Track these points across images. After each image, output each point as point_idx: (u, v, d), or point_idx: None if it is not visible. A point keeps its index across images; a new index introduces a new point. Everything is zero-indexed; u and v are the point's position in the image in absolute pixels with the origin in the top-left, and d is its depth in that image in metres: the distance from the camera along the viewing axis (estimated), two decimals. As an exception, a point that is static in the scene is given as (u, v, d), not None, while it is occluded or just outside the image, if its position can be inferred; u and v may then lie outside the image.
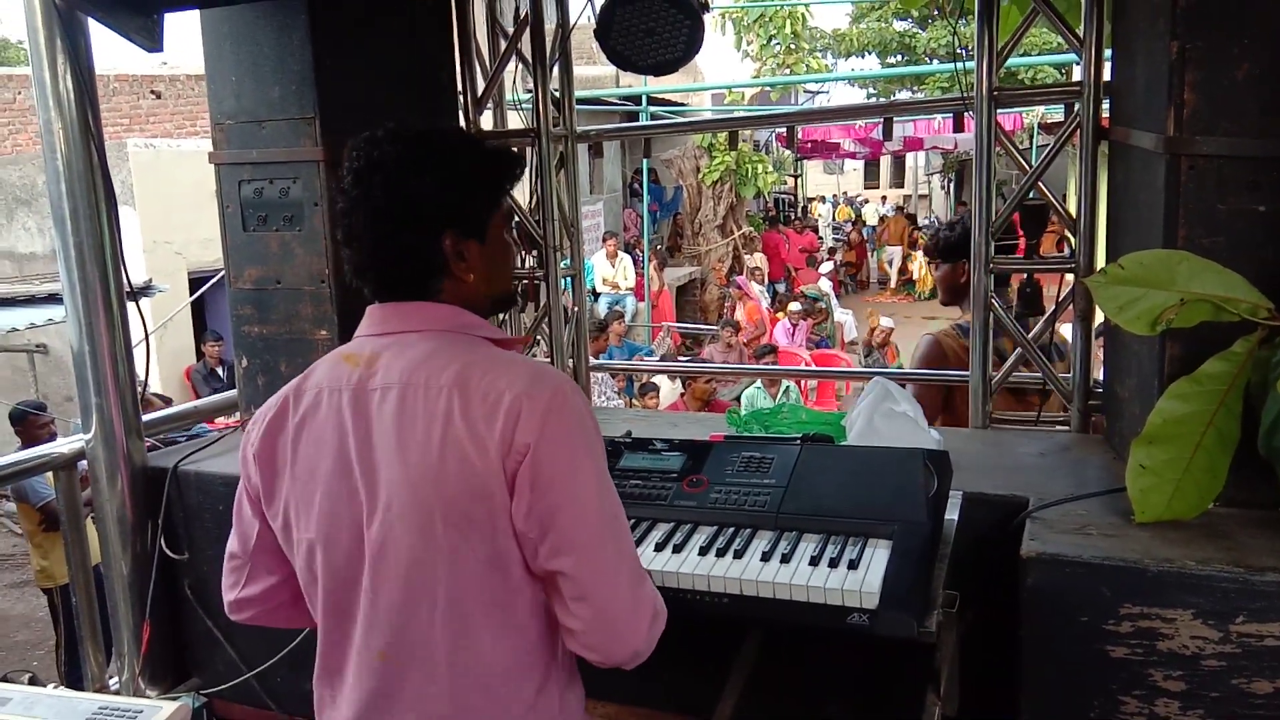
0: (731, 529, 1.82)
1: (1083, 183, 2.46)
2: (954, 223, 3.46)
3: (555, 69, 3.22)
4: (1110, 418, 2.44)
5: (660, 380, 8.41)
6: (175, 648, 2.70)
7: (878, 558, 1.67)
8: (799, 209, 24.73)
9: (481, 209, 1.42)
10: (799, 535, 1.77)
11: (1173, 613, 1.61)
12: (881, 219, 22.81)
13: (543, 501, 1.28)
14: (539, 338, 3.33)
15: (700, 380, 7.92)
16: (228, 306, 2.85)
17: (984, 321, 2.61)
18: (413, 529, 1.31)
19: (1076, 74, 2.51)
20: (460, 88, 3.22)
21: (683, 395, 8.36)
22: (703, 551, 1.76)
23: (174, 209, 9.01)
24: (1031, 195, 2.62)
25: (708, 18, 2.72)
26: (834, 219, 25.84)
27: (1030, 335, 2.63)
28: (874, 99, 19.43)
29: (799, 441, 2.03)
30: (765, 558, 1.71)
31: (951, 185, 23.84)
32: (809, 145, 15.92)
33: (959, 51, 2.59)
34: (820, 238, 20.70)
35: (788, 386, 8.14)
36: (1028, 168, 2.60)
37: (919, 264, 18.79)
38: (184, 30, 3.02)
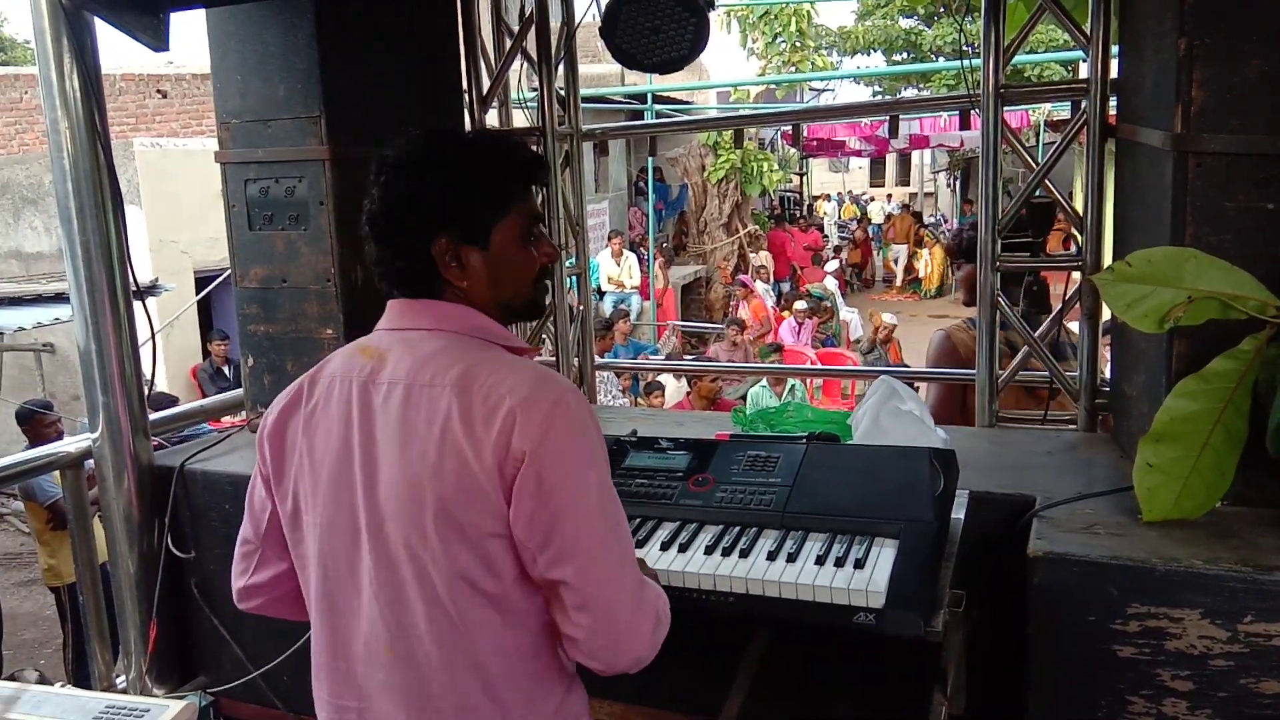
0: (737, 528, 1.81)
1: (1090, 180, 2.45)
2: (977, 222, 3.46)
3: (560, 67, 3.22)
4: (1117, 416, 2.43)
5: (666, 379, 8.40)
6: (182, 646, 2.70)
7: (884, 557, 1.67)
8: (804, 207, 24.70)
9: (481, 215, 1.38)
10: (805, 534, 1.77)
11: (1180, 612, 1.61)
12: (887, 217, 22.77)
13: (543, 510, 1.28)
14: (544, 336, 3.34)
15: (706, 379, 7.91)
16: (234, 305, 2.86)
17: (991, 319, 2.60)
18: (407, 526, 1.32)
19: (1083, 71, 2.50)
20: (466, 86, 3.22)
21: (689, 394, 8.35)
22: (708, 551, 1.76)
23: (180, 208, 9.03)
24: (1038, 193, 2.61)
25: (713, 15, 2.71)
26: (839, 217, 25.80)
27: (1037, 333, 2.62)
28: (880, 97, 19.41)
29: (805, 440, 2.02)
30: (771, 557, 1.71)
31: (957, 183, 23.75)
32: (814, 143, 15.90)
33: (965, 48, 2.59)
34: (825, 236, 20.67)
35: (793, 385, 8.13)
36: (1034, 165, 2.59)
37: (924, 262, 18.77)
38: (190, 29, 3.03)
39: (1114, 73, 2.42)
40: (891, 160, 31.10)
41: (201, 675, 2.72)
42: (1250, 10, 1.75)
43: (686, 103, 16.37)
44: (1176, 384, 1.76)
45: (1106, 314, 2.45)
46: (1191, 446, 1.74)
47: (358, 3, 2.66)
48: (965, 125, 2.88)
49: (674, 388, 8.63)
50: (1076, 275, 2.56)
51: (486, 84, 3.28)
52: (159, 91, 12.62)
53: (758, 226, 16.74)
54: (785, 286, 15.44)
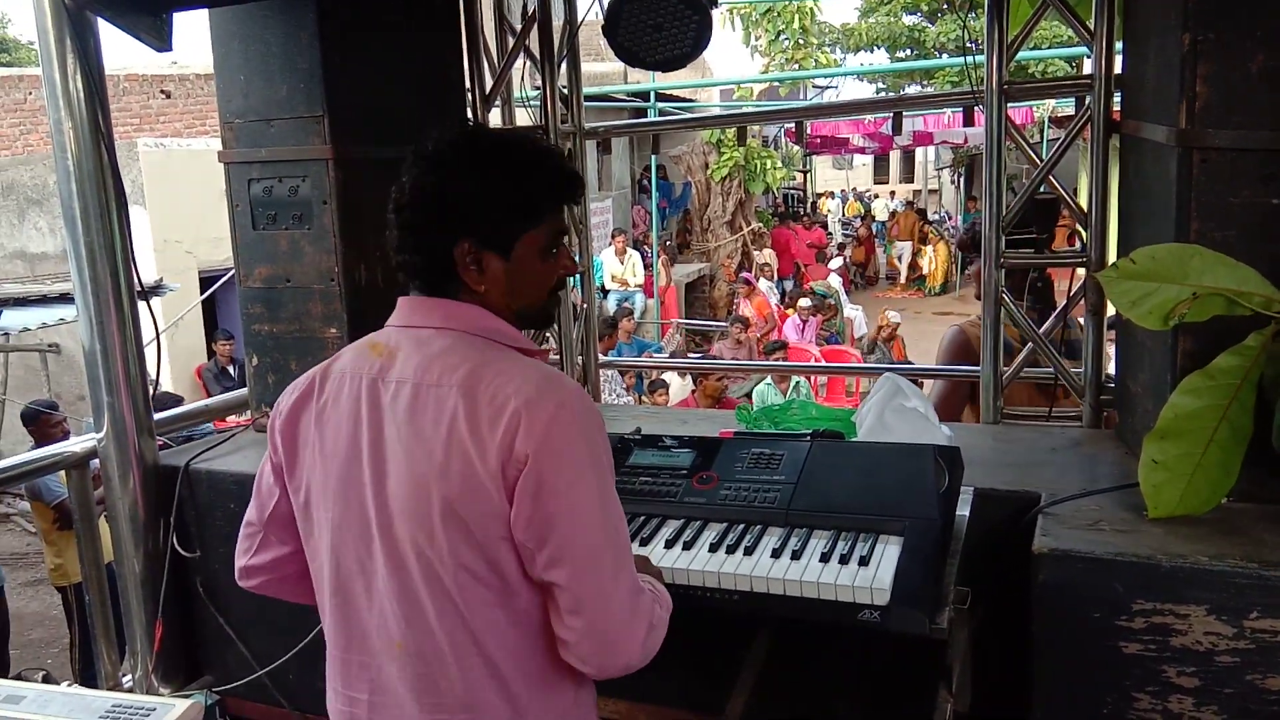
0: (742, 526, 1.81)
1: (1094, 176, 2.45)
2: None
3: (563, 65, 3.22)
4: (1122, 413, 2.43)
5: (670, 377, 8.40)
6: (188, 645, 2.71)
7: (889, 554, 1.66)
8: (808, 205, 24.67)
9: (505, 225, 1.37)
10: (809, 532, 1.77)
11: (1186, 608, 1.61)
12: (891, 214, 22.73)
13: (541, 512, 1.28)
14: (548, 335, 3.34)
15: (712, 378, 7.91)
16: (238, 305, 2.86)
17: (995, 316, 2.60)
18: (414, 525, 1.32)
19: (1087, 67, 2.50)
20: (469, 84, 3.22)
21: (694, 392, 8.35)
22: (713, 548, 1.75)
23: (184, 208, 9.04)
24: (1042, 189, 2.61)
25: (716, 13, 2.71)
26: (843, 214, 25.76)
27: (1041, 330, 2.62)
28: (883, 94, 19.38)
29: (809, 438, 2.02)
30: (776, 554, 1.71)
31: (962, 180, 23.71)
32: (818, 140, 15.86)
33: (969, 45, 2.58)
34: (829, 234, 20.64)
35: (798, 382, 8.13)
36: (1039, 162, 2.59)
37: (929, 259, 18.74)
38: (193, 29, 3.03)
39: (1118, 68, 2.42)
40: (895, 157, 31.04)
41: (207, 674, 2.72)
42: (1254, 6, 1.74)
43: (689, 100, 16.36)
44: (1181, 380, 1.76)
45: (1111, 310, 2.44)
46: (1197, 443, 1.74)
47: (360, 2, 2.67)
48: (969, 122, 2.87)
49: (678, 386, 8.62)
50: (1081, 271, 2.56)
51: (489, 82, 3.28)
52: (163, 92, 12.63)
53: (761, 224, 16.72)
54: (789, 284, 15.43)
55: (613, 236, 13.22)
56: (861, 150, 18.21)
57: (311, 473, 1.44)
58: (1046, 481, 2.03)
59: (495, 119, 3.33)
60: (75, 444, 2.70)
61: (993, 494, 1.99)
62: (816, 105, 11.36)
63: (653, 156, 14.63)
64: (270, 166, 2.69)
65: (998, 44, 2.50)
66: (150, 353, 2.61)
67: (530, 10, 3.15)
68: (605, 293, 12.58)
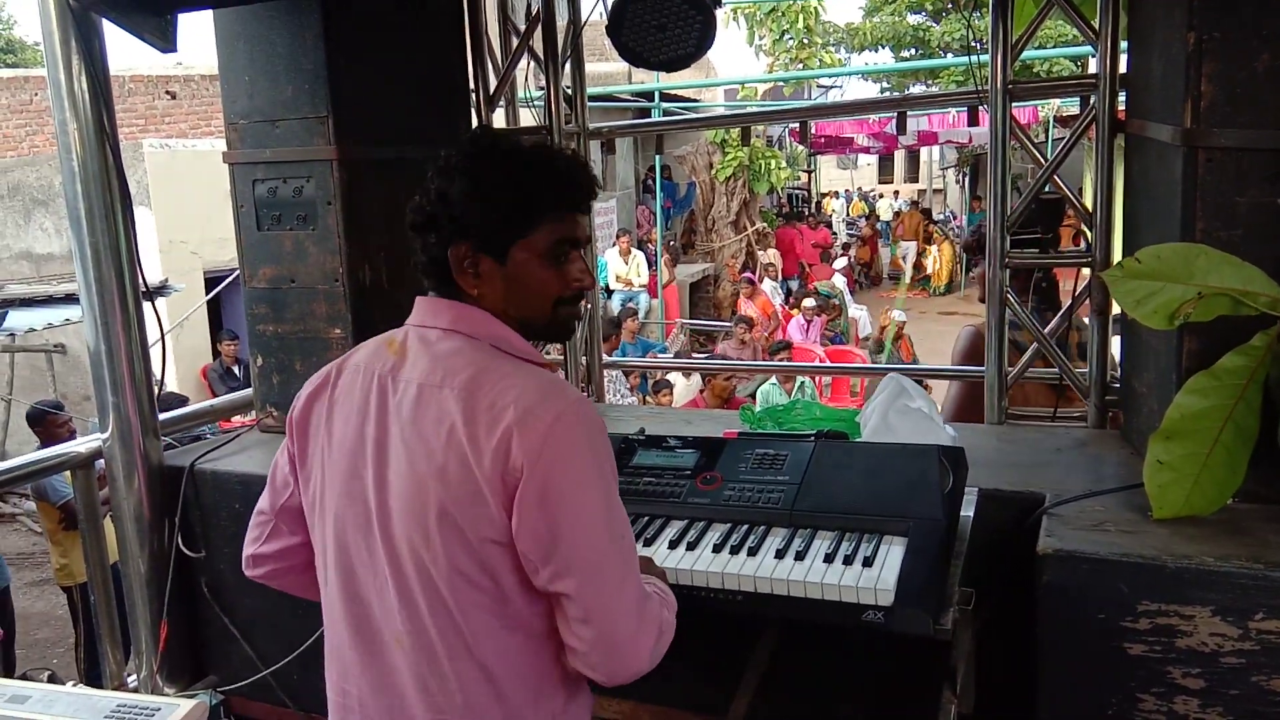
0: (745, 526, 1.81)
1: (1099, 176, 2.44)
2: None
3: (567, 66, 3.22)
4: (1127, 413, 2.42)
5: (675, 377, 8.39)
6: (192, 645, 2.71)
7: (893, 555, 1.66)
8: (812, 204, 24.65)
9: (500, 231, 1.36)
10: (813, 532, 1.76)
11: (1191, 609, 1.60)
12: (896, 214, 22.70)
13: (545, 524, 1.28)
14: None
15: (720, 377, 7.91)
16: (243, 305, 2.86)
17: (1000, 316, 2.60)
18: (411, 525, 1.33)
19: (1092, 66, 2.49)
20: (473, 85, 3.22)
21: (702, 392, 8.35)
22: (716, 549, 1.75)
23: (190, 208, 9.05)
24: (1047, 189, 2.60)
25: (719, 13, 2.71)
26: (848, 214, 25.73)
27: (1046, 330, 2.61)
28: (888, 93, 19.35)
29: (813, 438, 2.02)
30: (779, 555, 1.70)
31: (966, 180, 23.68)
32: (822, 140, 15.84)
33: (973, 45, 2.57)
34: (834, 233, 20.62)
35: (803, 383, 8.12)
36: (1043, 161, 2.58)
37: (933, 259, 18.71)
38: (198, 30, 3.04)
39: (1123, 68, 2.41)
40: (900, 157, 31.02)
41: (212, 674, 2.73)
42: (1259, 5, 1.74)
43: (693, 100, 16.35)
44: (1187, 381, 1.75)
45: (1116, 310, 2.44)
46: (1202, 443, 1.73)
47: (364, 3, 2.67)
48: (974, 121, 2.86)
49: (682, 386, 8.62)
50: (1086, 271, 2.55)
51: (493, 83, 3.28)
52: (168, 93, 12.66)
53: (765, 224, 16.71)
54: (794, 284, 15.42)
55: (617, 237, 13.22)
56: (866, 150, 18.21)
57: (320, 464, 1.46)
58: (1051, 482, 2.03)
59: (499, 119, 3.33)
60: (81, 444, 2.71)
61: (997, 494, 1.99)
62: (821, 105, 11.35)
63: (657, 157, 14.62)
64: (275, 167, 2.69)
65: (1002, 43, 2.50)
66: (155, 353, 2.62)
67: (534, 11, 3.15)
68: (610, 293, 12.58)
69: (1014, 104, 2.55)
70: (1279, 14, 1.73)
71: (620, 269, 12.87)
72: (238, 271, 2.87)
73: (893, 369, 2.70)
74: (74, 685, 2.15)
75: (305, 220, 2.68)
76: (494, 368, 1.34)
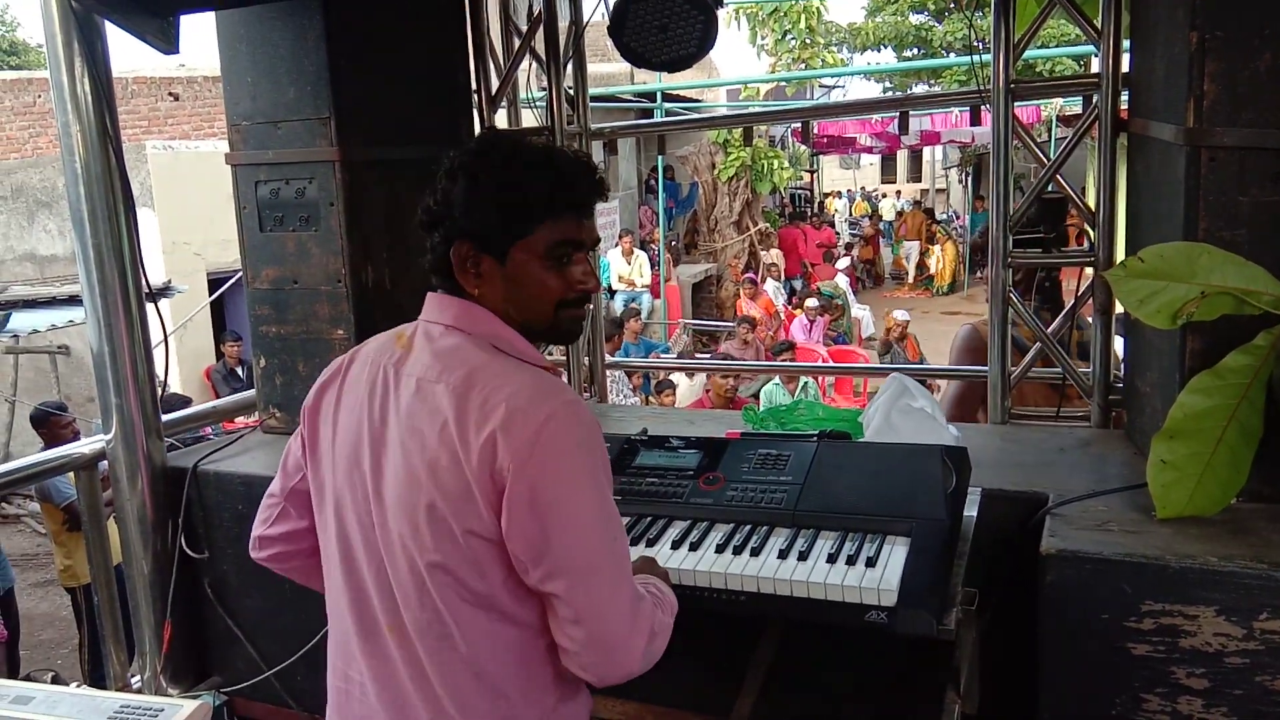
0: (748, 526, 1.81)
1: (1101, 175, 2.44)
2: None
3: (569, 66, 3.22)
4: (1131, 412, 2.42)
5: (677, 378, 8.39)
6: (196, 646, 2.71)
7: (896, 555, 1.66)
8: (815, 204, 24.64)
9: (499, 231, 1.36)
10: (816, 532, 1.76)
11: (1195, 609, 1.60)
12: (899, 214, 22.68)
13: (535, 526, 1.28)
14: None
15: (719, 377, 7.92)
16: (246, 307, 2.87)
17: (1002, 316, 2.59)
18: (402, 517, 1.34)
19: (1095, 66, 2.49)
20: (475, 86, 3.22)
21: (708, 391, 8.35)
22: (719, 549, 1.75)
23: (193, 210, 9.07)
24: (1050, 188, 2.60)
25: (721, 13, 2.71)
26: (850, 214, 25.72)
27: (1049, 329, 2.61)
28: (890, 93, 19.34)
29: (816, 438, 2.02)
30: (782, 555, 1.70)
31: (969, 179, 23.67)
32: (825, 140, 15.83)
33: (976, 44, 2.57)
34: (837, 233, 20.61)
35: (806, 383, 8.12)
36: (1046, 161, 2.58)
37: (936, 259, 18.69)
38: (200, 32, 3.04)
39: (1125, 67, 2.41)
40: (903, 157, 30.99)
41: (215, 675, 2.73)
42: (1261, 3, 1.73)
43: (696, 101, 16.33)
44: (1190, 380, 1.75)
45: (1119, 309, 2.43)
46: (1206, 443, 1.73)
47: (367, 4, 2.67)
48: (976, 121, 2.86)
49: (685, 386, 8.62)
50: (1089, 271, 2.55)
51: (495, 84, 3.28)
52: (171, 94, 12.67)
53: (768, 224, 16.70)
54: (797, 284, 15.41)
55: (620, 237, 13.22)
56: (869, 150, 18.19)
57: (326, 451, 1.48)
58: (1054, 482, 2.03)
59: (501, 120, 3.33)
60: (84, 445, 2.71)
61: (1000, 494, 1.99)
62: (823, 105, 11.34)
63: (659, 157, 14.62)
64: (277, 169, 2.69)
65: (1004, 43, 2.50)
66: (159, 354, 2.62)
67: (536, 11, 3.15)
68: (612, 293, 12.59)
69: (1016, 103, 2.55)
70: (1282, 13, 1.72)
71: (623, 269, 12.87)
72: (241, 273, 2.87)
73: (894, 369, 2.70)
74: (78, 686, 2.16)
75: (308, 221, 2.69)
76: (490, 366, 1.34)
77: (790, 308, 12.90)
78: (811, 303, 11.81)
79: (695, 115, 13.99)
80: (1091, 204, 2.52)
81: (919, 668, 1.96)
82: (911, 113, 3.40)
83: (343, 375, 1.50)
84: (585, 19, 3.16)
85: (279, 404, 2.85)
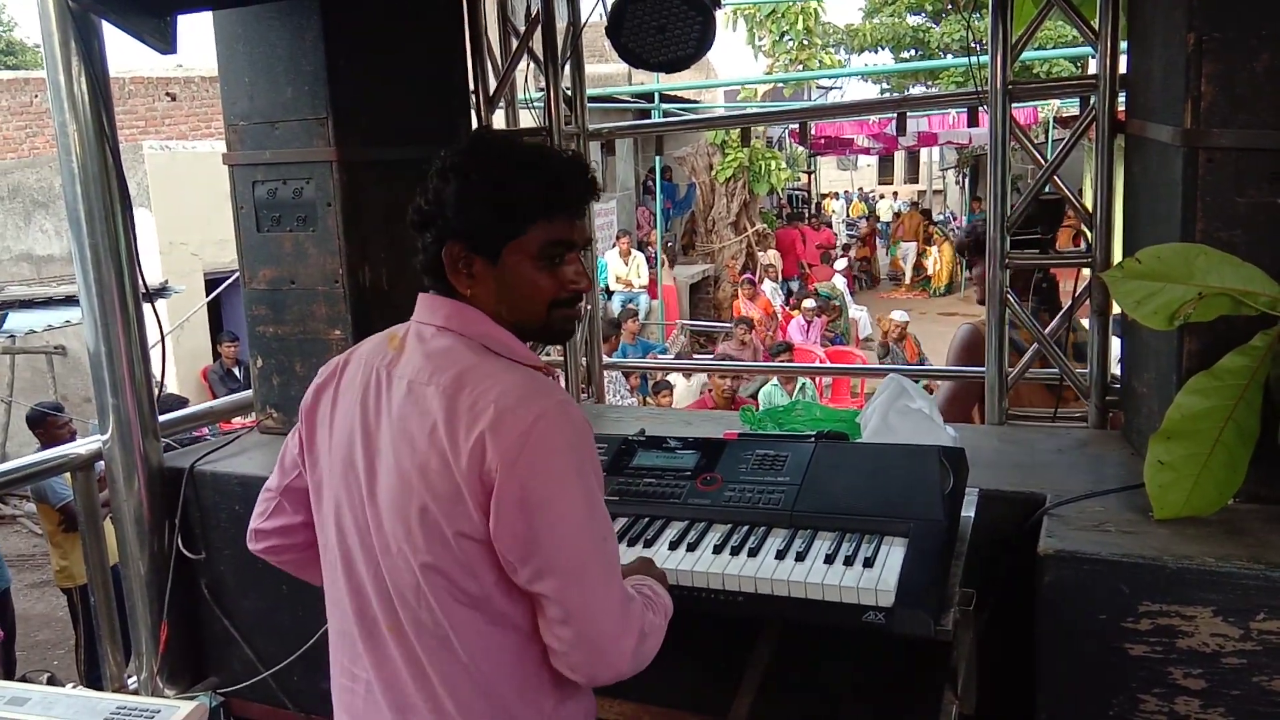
0: (746, 527, 1.81)
1: (1099, 177, 2.44)
2: None
3: (567, 67, 3.22)
4: (1128, 413, 2.42)
5: (675, 378, 8.39)
6: (193, 647, 2.71)
7: (893, 555, 1.66)
8: (812, 205, 24.66)
9: (491, 232, 1.36)
10: (814, 533, 1.76)
11: (1192, 610, 1.60)
12: (896, 215, 22.70)
13: (524, 524, 1.27)
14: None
15: (717, 377, 7.93)
16: (243, 307, 2.86)
17: (1000, 317, 2.59)
18: (395, 519, 1.34)
19: (1092, 67, 2.49)
20: (473, 86, 3.22)
21: (710, 391, 8.35)
22: (717, 550, 1.75)
23: (190, 210, 9.06)
24: (1047, 190, 2.60)
25: (719, 14, 2.71)
26: (848, 215, 25.74)
27: (1047, 330, 2.61)
28: (888, 94, 19.35)
29: (813, 439, 2.02)
30: (780, 556, 1.70)
31: (966, 180, 23.70)
32: (822, 141, 15.83)
33: (973, 46, 2.57)
34: (835, 234, 20.63)
35: (803, 384, 8.13)
36: (1043, 162, 2.58)
37: (933, 260, 18.71)
38: (198, 32, 3.04)
39: (1123, 68, 2.41)
40: (900, 158, 31.03)
41: (212, 676, 2.73)
42: (1259, 5, 1.74)
43: (693, 101, 16.35)
44: (1187, 381, 1.75)
45: (1116, 310, 2.44)
46: (1203, 444, 1.73)
47: (364, 4, 2.67)
48: (973, 122, 2.86)
49: (683, 387, 8.62)
50: (1086, 272, 2.55)
51: (493, 84, 3.28)
52: (168, 94, 12.66)
53: (766, 225, 16.71)
54: (794, 285, 15.42)
55: (617, 238, 13.23)
56: (866, 151, 18.20)
57: (323, 452, 1.48)
58: (1052, 482, 2.03)
59: (499, 121, 3.33)
60: (81, 446, 2.71)
61: (998, 495, 1.99)
62: (821, 106, 11.34)
63: (657, 158, 14.62)
64: (274, 169, 2.69)
65: (1002, 44, 2.50)
66: (155, 355, 2.62)
67: (534, 12, 3.15)
68: (610, 294, 12.59)
69: (1014, 105, 2.55)
70: (1278, 14, 1.73)
71: (620, 270, 12.88)
72: (238, 273, 2.87)
73: (892, 369, 2.70)
74: (74, 687, 2.16)
75: (305, 222, 2.68)
76: (480, 367, 1.34)
77: (787, 309, 12.91)
78: (809, 303, 11.82)
79: (693, 116, 14.00)
80: (1089, 205, 2.52)
81: (916, 668, 1.96)
82: (909, 114, 3.40)
83: (338, 376, 1.50)
84: (583, 20, 3.16)
85: (276, 404, 2.85)
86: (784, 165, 16.23)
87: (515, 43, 3.24)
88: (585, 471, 1.33)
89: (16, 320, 7.96)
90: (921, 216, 20.64)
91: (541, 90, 3.23)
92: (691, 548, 1.77)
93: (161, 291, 7.86)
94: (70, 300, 7.65)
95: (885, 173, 33.21)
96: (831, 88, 18.05)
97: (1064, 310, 2.68)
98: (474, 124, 3.20)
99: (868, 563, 1.64)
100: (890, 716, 2.11)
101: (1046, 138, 12.44)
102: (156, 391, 2.63)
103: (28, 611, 6.61)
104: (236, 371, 8.97)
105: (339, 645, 1.50)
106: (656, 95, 13.64)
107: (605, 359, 3.61)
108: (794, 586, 1.64)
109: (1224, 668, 1.59)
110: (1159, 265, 1.74)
